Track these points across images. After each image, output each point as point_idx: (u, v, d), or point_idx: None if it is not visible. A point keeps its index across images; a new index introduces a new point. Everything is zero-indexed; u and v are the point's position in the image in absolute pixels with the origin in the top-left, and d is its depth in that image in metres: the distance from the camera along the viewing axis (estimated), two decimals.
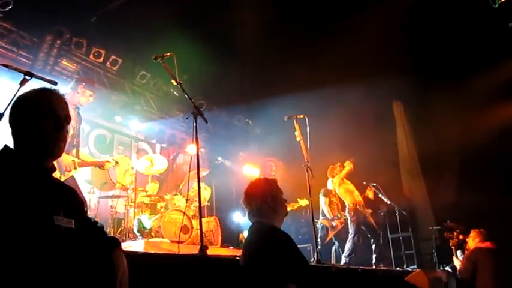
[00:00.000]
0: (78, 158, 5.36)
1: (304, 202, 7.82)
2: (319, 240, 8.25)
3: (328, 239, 8.18)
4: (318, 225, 8.41)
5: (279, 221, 3.12)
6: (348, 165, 7.93)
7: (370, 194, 7.98)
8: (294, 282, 2.65)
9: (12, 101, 1.89)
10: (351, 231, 7.49)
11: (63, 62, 8.01)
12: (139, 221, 6.73)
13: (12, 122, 1.84)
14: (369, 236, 7.52)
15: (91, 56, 8.22)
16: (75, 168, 5.15)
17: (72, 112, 5.40)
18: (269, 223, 3.04)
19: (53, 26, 7.38)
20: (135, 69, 9.09)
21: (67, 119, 1.90)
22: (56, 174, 4.59)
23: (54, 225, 1.66)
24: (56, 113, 1.85)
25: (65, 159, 5.02)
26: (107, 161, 5.87)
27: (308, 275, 2.86)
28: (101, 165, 5.73)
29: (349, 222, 7.61)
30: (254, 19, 7.94)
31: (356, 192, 7.79)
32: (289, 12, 7.93)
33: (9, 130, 1.85)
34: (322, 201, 8.24)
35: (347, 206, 7.70)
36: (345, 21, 7.93)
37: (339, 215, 8.11)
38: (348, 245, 7.44)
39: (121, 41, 8.08)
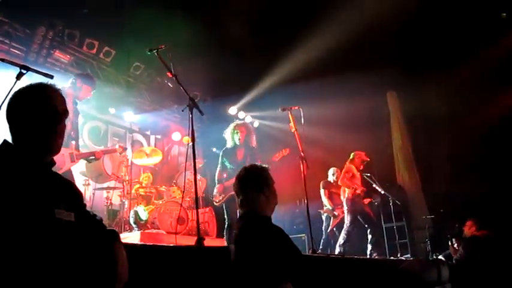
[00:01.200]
0: (78, 151, 5.34)
1: None
2: (323, 230, 8.36)
3: (332, 227, 8.25)
4: (323, 216, 8.52)
5: (270, 211, 3.05)
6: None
7: (359, 190, 7.93)
8: (289, 277, 2.66)
9: (10, 96, 1.88)
10: (347, 220, 7.53)
11: (56, 53, 7.98)
12: (136, 213, 6.76)
13: (10, 117, 1.83)
14: (366, 226, 7.57)
15: (84, 48, 8.19)
16: (73, 161, 5.13)
17: (70, 106, 5.38)
18: (262, 214, 3.00)
19: (46, 17, 7.33)
20: (128, 61, 9.04)
21: (65, 113, 1.91)
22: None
23: (55, 218, 1.67)
24: (56, 108, 1.86)
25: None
26: (112, 149, 5.78)
27: (302, 267, 2.85)
28: (98, 156, 5.60)
29: (345, 211, 7.65)
30: (248, 9, 7.92)
31: (359, 185, 7.78)
32: (284, 4, 7.90)
33: (6, 124, 1.85)
34: (322, 193, 8.36)
35: (345, 196, 7.70)
36: (338, 12, 7.92)
37: (340, 206, 8.12)
38: (342, 234, 7.49)
39: (114, 32, 8.02)
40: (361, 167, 7.79)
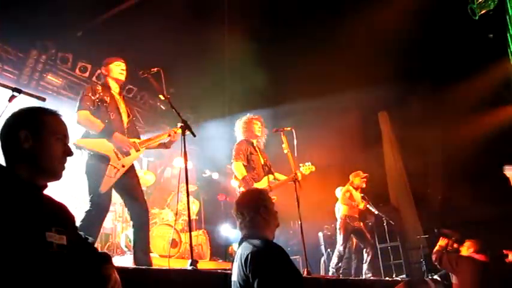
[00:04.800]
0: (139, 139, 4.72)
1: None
2: (323, 251, 8.21)
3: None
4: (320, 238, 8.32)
5: (271, 233, 3.06)
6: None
7: (361, 205, 7.90)
8: None
9: (8, 117, 1.84)
10: (339, 239, 7.48)
11: (48, 77, 7.99)
12: (127, 236, 6.68)
13: (9, 138, 1.80)
14: (361, 245, 7.52)
15: (77, 71, 8.19)
16: (137, 150, 4.55)
17: (120, 100, 4.88)
18: (261, 235, 3.00)
19: (39, 40, 7.35)
20: None
21: (68, 139, 1.91)
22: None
23: (46, 241, 1.64)
24: (66, 138, 1.88)
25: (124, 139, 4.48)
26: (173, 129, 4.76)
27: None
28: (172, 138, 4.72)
29: (337, 231, 7.60)
30: (241, 32, 8.00)
31: (354, 207, 7.74)
32: (276, 25, 8.00)
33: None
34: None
35: (339, 214, 7.65)
36: (330, 33, 8.02)
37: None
38: (334, 255, 7.43)
39: (107, 56, 8.03)
40: (363, 185, 7.80)
